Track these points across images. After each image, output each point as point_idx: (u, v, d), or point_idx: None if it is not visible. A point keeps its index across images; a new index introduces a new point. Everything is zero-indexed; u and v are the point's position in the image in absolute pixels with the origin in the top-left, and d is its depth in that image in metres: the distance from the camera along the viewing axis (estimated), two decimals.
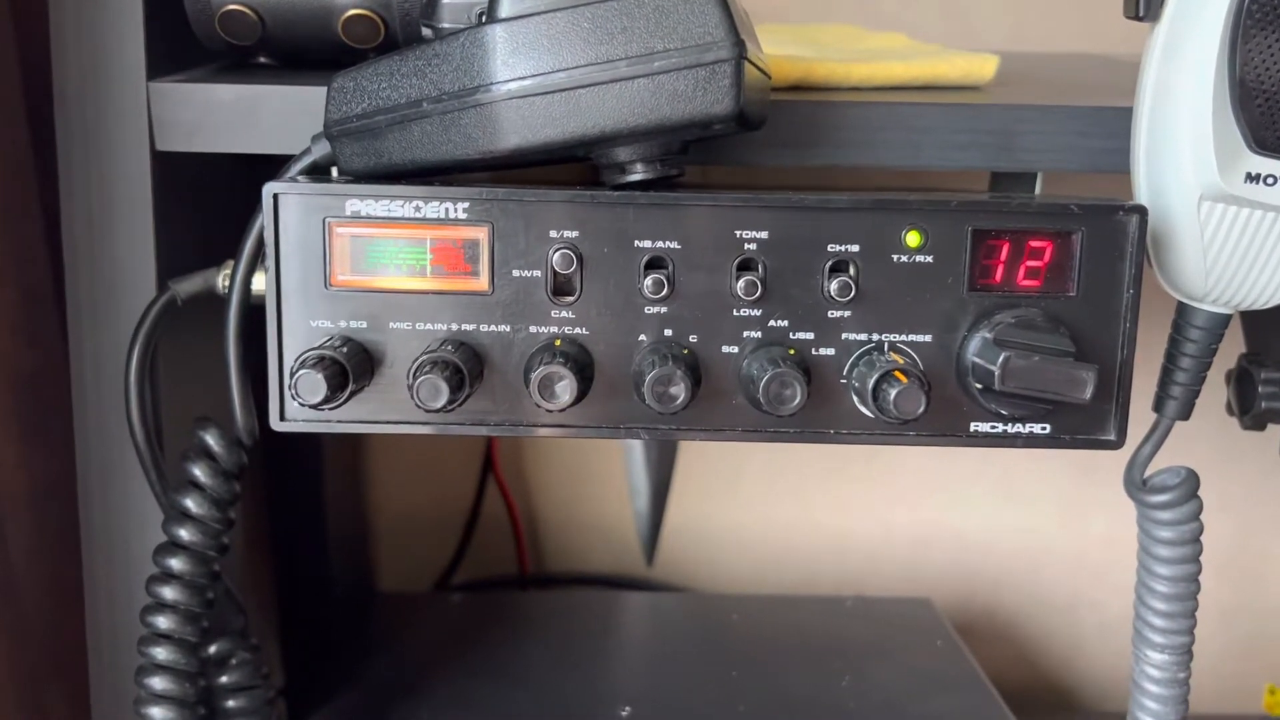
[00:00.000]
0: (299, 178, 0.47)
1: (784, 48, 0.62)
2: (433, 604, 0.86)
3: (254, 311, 0.49)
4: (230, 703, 0.55)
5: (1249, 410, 0.61)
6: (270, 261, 0.45)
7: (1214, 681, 1.00)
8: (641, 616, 0.85)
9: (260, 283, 0.49)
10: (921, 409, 0.43)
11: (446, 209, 0.45)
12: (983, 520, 1.01)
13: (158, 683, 0.49)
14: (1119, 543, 0.98)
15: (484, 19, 0.44)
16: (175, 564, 0.50)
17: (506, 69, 0.42)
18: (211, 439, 0.50)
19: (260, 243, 0.48)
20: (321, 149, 0.47)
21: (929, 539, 1.01)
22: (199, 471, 0.50)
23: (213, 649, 0.54)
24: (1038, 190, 0.56)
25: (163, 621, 0.50)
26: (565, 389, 0.43)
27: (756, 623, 0.82)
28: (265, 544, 0.79)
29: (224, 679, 0.54)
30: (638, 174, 0.45)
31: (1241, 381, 0.61)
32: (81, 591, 0.56)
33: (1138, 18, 0.48)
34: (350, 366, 0.44)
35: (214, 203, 0.58)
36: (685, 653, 0.77)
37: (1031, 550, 1.01)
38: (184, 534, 0.50)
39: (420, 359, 0.44)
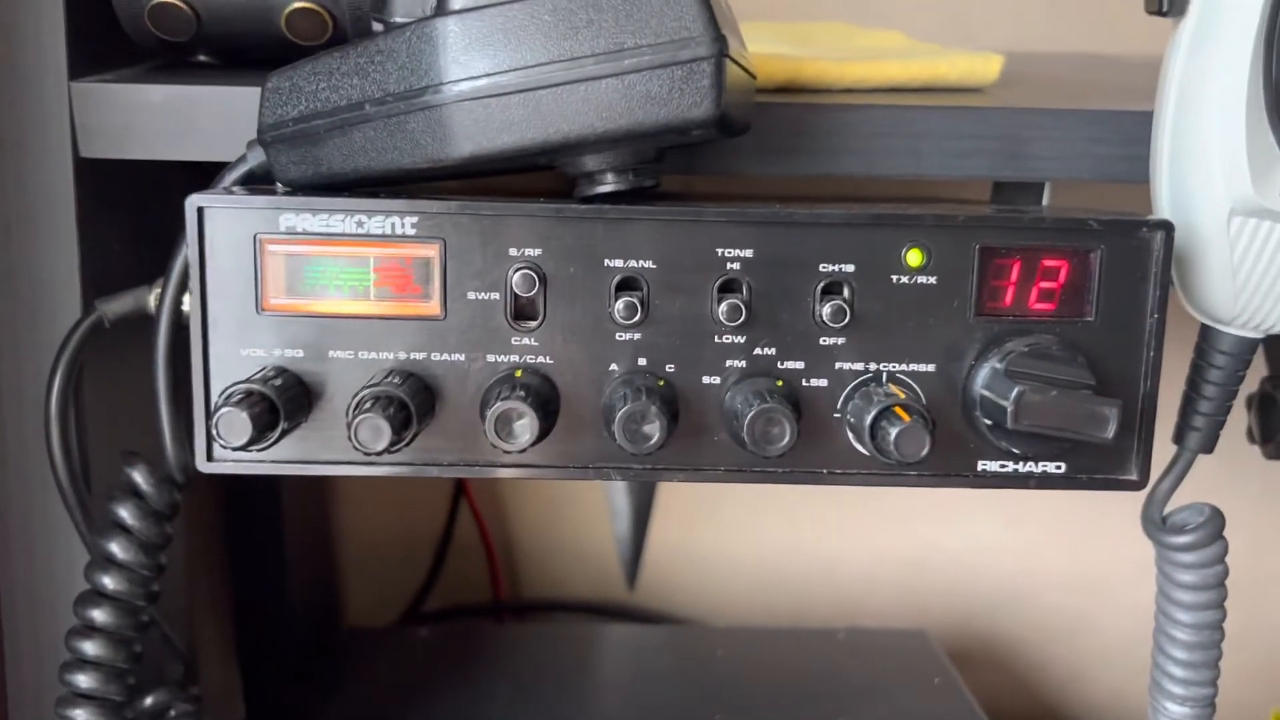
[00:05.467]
0: (233, 189, 0.43)
1: (770, 45, 0.59)
2: (403, 638, 0.83)
3: (187, 335, 0.45)
4: None
5: (1271, 437, 0.58)
6: (195, 283, 0.42)
7: (1220, 706, 0.98)
8: (623, 651, 0.82)
9: None
10: (926, 450, 0.40)
11: (393, 224, 0.41)
12: (978, 543, 1.00)
13: None
14: (1120, 566, 0.97)
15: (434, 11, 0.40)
16: (98, 616, 0.46)
17: (458, 67, 0.38)
18: (140, 476, 0.47)
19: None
20: (257, 157, 0.44)
21: (923, 563, 1.00)
22: (125, 513, 0.47)
23: (149, 700, 0.50)
24: (1045, 200, 0.53)
25: (84, 680, 0.46)
26: (525, 428, 0.40)
27: (743, 658, 0.79)
28: (222, 575, 0.76)
29: None
30: (608, 185, 0.42)
31: (1264, 406, 0.59)
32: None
33: (1161, 13, 0.45)
34: (282, 403, 0.40)
35: (146, 215, 0.55)
36: (668, 691, 0.74)
37: (1029, 574, 1.00)
38: (108, 582, 0.46)
39: (361, 394, 0.40)
